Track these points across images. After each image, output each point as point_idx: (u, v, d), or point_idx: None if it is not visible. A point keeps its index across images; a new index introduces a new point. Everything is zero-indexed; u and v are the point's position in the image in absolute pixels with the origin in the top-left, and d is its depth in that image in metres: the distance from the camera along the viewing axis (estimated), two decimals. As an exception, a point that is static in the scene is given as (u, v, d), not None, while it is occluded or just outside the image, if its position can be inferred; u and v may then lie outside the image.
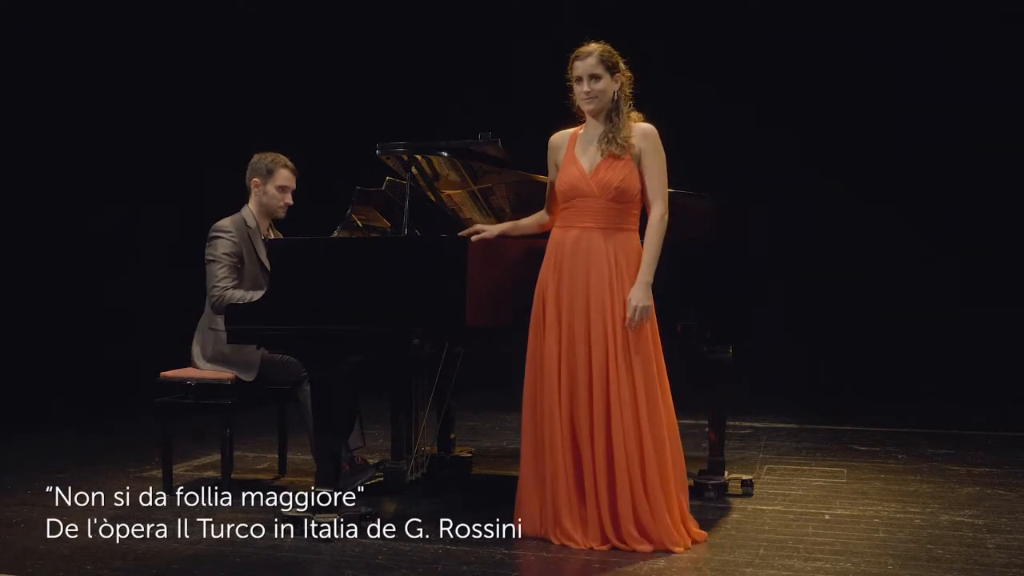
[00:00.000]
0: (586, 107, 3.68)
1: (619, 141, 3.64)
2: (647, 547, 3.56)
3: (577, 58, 3.67)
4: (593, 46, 3.67)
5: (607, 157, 3.65)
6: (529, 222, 3.91)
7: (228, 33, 7.39)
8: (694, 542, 3.65)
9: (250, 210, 4.50)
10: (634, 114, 3.71)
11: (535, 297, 3.74)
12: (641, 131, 3.67)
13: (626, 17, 6.81)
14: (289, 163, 4.52)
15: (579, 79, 3.65)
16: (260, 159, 4.50)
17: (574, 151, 3.73)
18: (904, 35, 6.92)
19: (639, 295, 3.60)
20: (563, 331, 3.65)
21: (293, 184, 4.53)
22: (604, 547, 3.59)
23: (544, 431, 3.67)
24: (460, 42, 7.35)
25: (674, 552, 3.54)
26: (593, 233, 3.66)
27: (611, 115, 3.67)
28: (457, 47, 7.34)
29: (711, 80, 6.97)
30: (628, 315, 3.59)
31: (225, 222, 4.43)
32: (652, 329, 3.68)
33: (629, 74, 3.70)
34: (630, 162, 3.65)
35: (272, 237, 4.52)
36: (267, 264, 4.39)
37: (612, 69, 3.66)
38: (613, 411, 3.59)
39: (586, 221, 3.67)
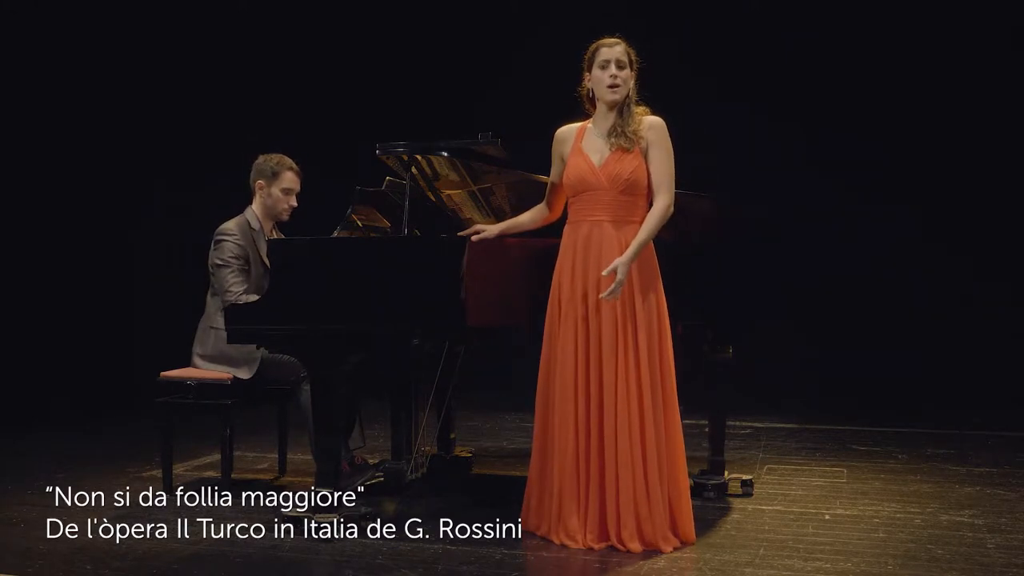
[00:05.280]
0: (610, 96, 3.65)
1: (628, 134, 3.64)
2: (639, 547, 3.55)
3: (605, 45, 3.66)
4: (618, 38, 3.68)
5: (616, 150, 3.65)
6: (527, 217, 3.90)
7: (228, 32, 7.39)
8: (683, 543, 3.64)
9: (253, 212, 4.48)
10: (639, 108, 3.71)
11: (551, 295, 3.74)
12: (649, 123, 3.68)
13: (626, 17, 6.80)
14: (294, 166, 4.50)
15: (607, 63, 3.63)
16: (265, 161, 4.48)
17: (580, 144, 3.73)
18: (904, 35, 6.92)
19: (622, 270, 3.54)
20: (579, 326, 3.64)
21: (298, 187, 4.51)
22: (601, 545, 3.59)
23: (555, 429, 3.66)
24: (460, 42, 7.34)
25: (663, 552, 3.55)
26: (605, 226, 3.65)
27: (622, 109, 3.68)
28: (457, 47, 7.34)
29: (710, 80, 6.96)
30: (606, 273, 3.55)
31: (229, 224, 4.41)
32: (662, 328, 3.67)
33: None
34: (639, 155, 3.66)
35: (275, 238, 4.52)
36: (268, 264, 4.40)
37: (632, 63, 3.67)
38: (620, 406, 3.58)
39: (596, 214, 3.67)
